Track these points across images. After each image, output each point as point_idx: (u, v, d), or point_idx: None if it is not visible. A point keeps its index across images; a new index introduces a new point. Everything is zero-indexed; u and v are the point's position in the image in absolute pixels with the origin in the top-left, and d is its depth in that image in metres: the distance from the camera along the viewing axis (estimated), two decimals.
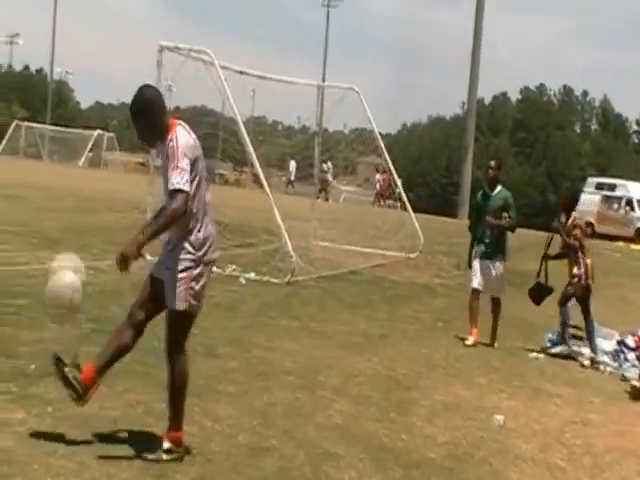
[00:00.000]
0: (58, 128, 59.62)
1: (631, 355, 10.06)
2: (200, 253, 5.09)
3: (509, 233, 10.44)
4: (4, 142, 57.09)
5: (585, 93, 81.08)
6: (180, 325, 5.13)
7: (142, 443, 5.17)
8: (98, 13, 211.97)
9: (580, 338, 11.01)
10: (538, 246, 26.98)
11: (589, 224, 41.20)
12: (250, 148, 14.25)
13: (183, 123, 5.14)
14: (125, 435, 5.31)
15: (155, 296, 5.17)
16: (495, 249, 10.14)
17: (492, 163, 10.44)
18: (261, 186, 14.55)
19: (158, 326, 8.38)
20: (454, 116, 77.09)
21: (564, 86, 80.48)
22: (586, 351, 10.14)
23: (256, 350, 8.20)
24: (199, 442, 5.39)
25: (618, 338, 10.54)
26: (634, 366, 9.74)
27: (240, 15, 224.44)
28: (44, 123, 61.73)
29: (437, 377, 8.25)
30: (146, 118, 5.00)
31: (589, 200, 41.86)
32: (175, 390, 5.13)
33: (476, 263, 10.16)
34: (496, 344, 10.14)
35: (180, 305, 5.05)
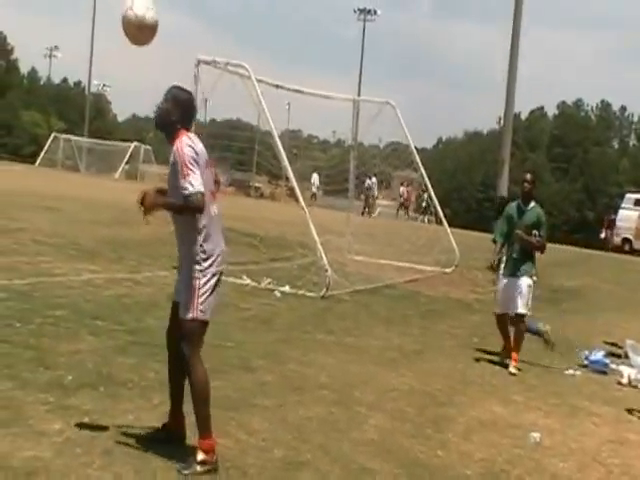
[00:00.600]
0: (95, 140, 60.37)
1: None
2: (206, 264, 5.16)
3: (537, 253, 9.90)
4: (42, 154, 57.92)
5: (623, 108, 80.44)
6: (191, 335, 5.17)
7: (179, 455, 5.19)
8: None
9: (619, 356, 10.88)
10: (574, 263, 26.79)
11: (626, 240, 40.81)
12: (285, 162, 14.31)
13: (192, 135, 5.24)
14: (162, 447, 5.32)
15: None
16: (523, 264, 9.65)
17: (527, 177, 9.90)
18: (296, 200, 14.60)
19: None
20: (490, 131, 76.72)
21: (602, 101, 79.92)
22: (625, 369, 10.00)
23: (291, 364, 8.20)
24: (234, 455, 5.40)
25: None
26: None
27: (275, 30, 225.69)
28: (82, 135, 62.50)
29: (473, 393, 8.18)
30: (173, 108, 5.19)
31: (627, 216, 41.46)
32: (197, 399, 5.16)
33: (503, 283, 9.77)
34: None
35: (188, 314, 5.13)
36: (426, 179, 20.57)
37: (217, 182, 5.50)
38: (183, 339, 5.19)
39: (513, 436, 6.93)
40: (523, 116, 74.06)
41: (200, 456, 5.04)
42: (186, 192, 4.96)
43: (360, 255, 18.59)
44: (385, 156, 25.39)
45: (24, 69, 79.08)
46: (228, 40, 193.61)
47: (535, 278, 9.79)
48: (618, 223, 41.73)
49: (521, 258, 9.60)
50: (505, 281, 9.71)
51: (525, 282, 9.57)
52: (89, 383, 6.34)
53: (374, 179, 39.02)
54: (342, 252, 17.81)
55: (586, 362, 10.21)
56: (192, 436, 5.35)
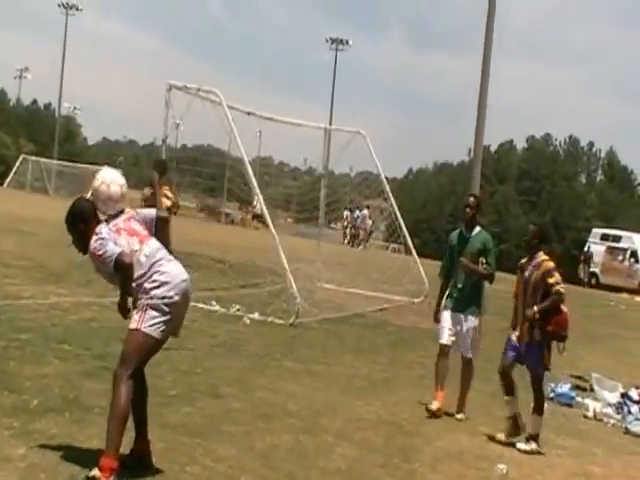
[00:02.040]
0: (65, 163, 59.95)
1: (635, 408, 10.00)
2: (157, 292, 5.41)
3: (486, 283, 9.16)
4: (11, 175, 57.42)
5: (591, 144, 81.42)
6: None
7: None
8: (107, 50, 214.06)
9: (584, 389, 10.97)
10: None
11: (592, 274, 41.19)
12: (256, 188, 14.34)
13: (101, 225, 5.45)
14: (130, 473, 5.26)
15: None
16: (469, 299, 8.59)
17: (470, 200, 8.78)
18: (266, 226, 14.63)
19: (162, 366, 8.41)
20: (460, 162, 77.45)
21: (570, 136, 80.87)
22: (590, 402, 10.08)
23: (259, 391, 8.17)
24: None
25: (622, 390, 10.50)
26: (637, 419, 9.67)
27: (247, 56, 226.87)
28: (51, 158, 62.08)
29: (440, 424, 8.19)
30: (79, 226, 5.46)
31: (594, 251, 41.89)
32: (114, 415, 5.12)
33: (446, 314, 8.60)
34: (461, 415, 8.57)
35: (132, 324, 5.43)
36: (396, 209, 20.70)
37: (174, 204, 5.64)
38: (123, 350, 5.51)
39: (480, 467, 6.95)
40: (492, 148, 74.84)
41: (93, 472, 4.93)
42: (110, 263, 5.26)
43: (330, 283, 18.61)
44: (356, 185, 25.55)
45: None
46: (200, 64, 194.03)
47: (482, 315, 8.99)
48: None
49: (467, 290, 8.59)
50: (449, 314, 8.62)
51: (471, 325, 8.63)
52: (55, 408, 6.27)
53: (365, 211, 39.24)
54: (312, 280, 17.82)
55: (552, 395, 10.27)
56: (163, 463, 5.31)
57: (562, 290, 7.88)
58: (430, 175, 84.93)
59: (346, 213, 38.15)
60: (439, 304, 8.79)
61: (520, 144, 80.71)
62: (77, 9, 78.92)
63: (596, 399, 10.32)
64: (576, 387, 10.98)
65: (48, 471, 5.02)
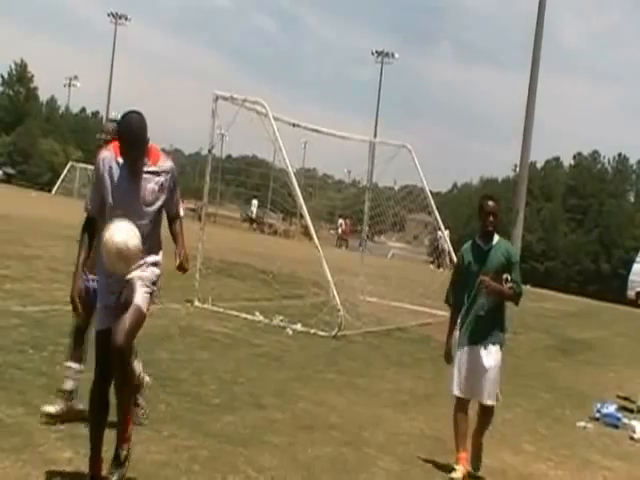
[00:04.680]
0: None
1: None
2: None
3: (509, 305, 7.12)
4: (59, 182, 58.30)
5: None
6: None
7: None
8: (154, 60, 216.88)
9: (631, 411, 10.78)
10: (588, 315, 26.65)
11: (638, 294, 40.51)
12: (300, 200, 14.35)
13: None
14: None
15: None
16: (490, 326, 6.75)
17: (491, 205, 6.73)
18: (310, 238, 14.63)
19: (205, 374, 8.44)
20: (506, 178, 76.87)
21: (619, 154, 79.92)
22: (637, 424, 9.88)
23: (302, 402, 8.16)
24: None
25: None
26: None
27: (293, 68, 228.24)
28: None
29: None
30: (145, 142, 4.88)
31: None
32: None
33: (461, 355, 6.78)
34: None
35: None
36: (440, 223, 20.61)
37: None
38: None
39: None
40: (539, 165, 74.20)
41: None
42: (182, 214, 5.32)
43: (373, 296, 18.55)
44: (400, 198, 25.47)
45: (43, 97, 79.89)
46: (246, 76, 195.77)
47: (503, 346, 6.90)
48: (632, 277, 41.49)
49: (488, 316, 6.73)
50: (465, 351, 6.78)
51: (495, 358, 6.74)
52: None
53: (446, 232, 39.04)
54: (355, 292, 17.76)
55: (598, 415, 10.09)
56: (206, 472, 5.29)
57: None
58: (475, 190, 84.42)
59: (439, 233, 37.97)
60: (450, 339, 7.00)
61: (567, 161, 79.99)
62: (126, 19, 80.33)
63: None
64: (622, 408, 10.77)
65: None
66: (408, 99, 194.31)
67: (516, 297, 6.88)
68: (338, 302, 13.28)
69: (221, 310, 13.24)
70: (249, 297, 15.58)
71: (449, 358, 6.94)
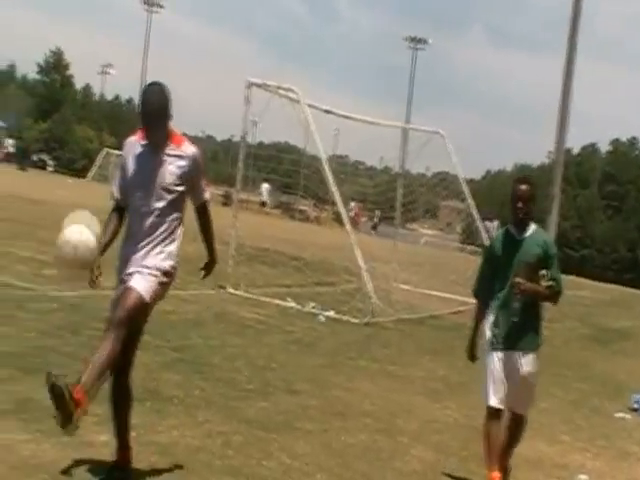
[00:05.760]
0: None
1: None
2: None
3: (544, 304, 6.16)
4: (94, 168, 58.74)
5: None
6: None
7: (221, 473, 5.16)
8: (187, 47, 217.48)
9: None
10: (624, 303, 26.38)
11: None
12: (333, 186, 14.31)
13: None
14: (204, 465, 5.30)
15: None
16: (525, 328, 5.93)
17: (522, 189, 5.91)
18: (342, 225, 14.61)
19: (238, 360, 8.46)
20: (540, 165, 76.06)
21: None
22: None
23: (335, 389, 8.15)
24: (277, 478, 5.36)
25: None
26: None
27: (326, 55, 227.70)
28: None
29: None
30: (167, 116, 4.76)
31: None
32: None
33: (496, 360, 5.93)
34: None
35: None
36: (474, 210, 20.46)
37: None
38: None
39: (559, 476, 6.79)
40: (575, 152, 73.33)
41: None
42: (207, 197, 5.04)
43: (405, 284, 18.49)
44: (432, 185, 25.33)
45: (78, 85, 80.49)
46: (277, 62, 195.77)
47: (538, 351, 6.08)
48: None
49: (522, 318, 5.92)
50: (500, 357, 5.93)
51: (531, 365, 5.95)
52: (136, 397, 6.27)
53: (496, 222, 38.79)
54: (387, 280, 17.72)
55: (636, 406, 9.97)
56: (240, 457, 5.30)
57: None
58: (508, 177, 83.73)
59: (486, 223, 37.77)
60: (474, 337, 6.14)
61: (604, 147, 78.91)
62: (160, 6, 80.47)
63: None
64: None
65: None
66: (441, 85, 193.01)
67: (555, 297, 6.01)
68: (370, 289, 13.25)
69: (254, 296, 13.26)
70: (281, 283, 15.59)
71: (472, 355, 6.15)
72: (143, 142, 4.77)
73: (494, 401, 5.96)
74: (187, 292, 12.27)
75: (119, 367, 4.84)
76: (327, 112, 15.94)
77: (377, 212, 33.19)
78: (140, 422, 5.68)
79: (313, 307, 13.23)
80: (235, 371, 8.03)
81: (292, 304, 13.21)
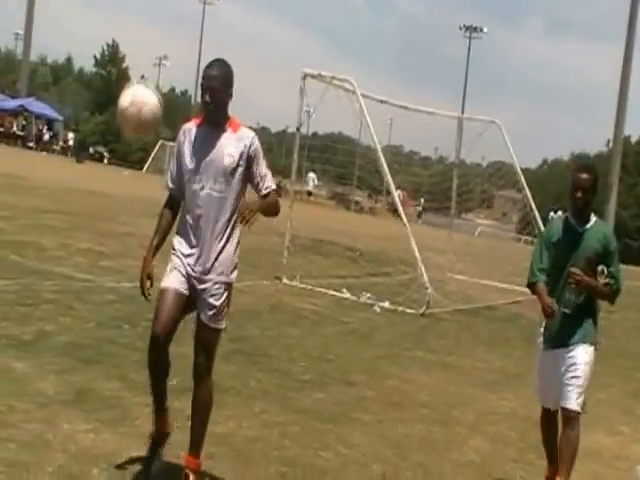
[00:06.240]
0: None
1: None
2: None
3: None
4: (150, 160, 59.45)
5: None
6: (216, 346, 5.06)
7: (278, 464, 5.21)
8: (242, 38, 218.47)
9: None
10: None
11: None
12: (388, 177, 14.27)
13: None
14: (261, 455, 5.34)
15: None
16: (579, 326, 5.53)
17: (582, 178, 5.51)
18: (397, 215, 14.58)
19: (295, 351, 8.51)
20: (598, 154, 74.83)
21: None
22: None
23: (391, 380, 8.15)
24: (334, 469, 5.38)
25: None
26: None
27: (381, 44, 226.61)
28: None
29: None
30: (229, 92, 4.67)
31: None
32: (208, 416, 4.83)
33: (543, 358, 5.76)
34: None
35: (223, 323, 4.98)
36: (531, 200, 20.22)
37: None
38: (209, 350, 4.90)
39: (619, 468, 6.69)
40: (633, 140, 71.92)
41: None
42: (274, 186, 4.75)
43: (461, 274, 18.36)
44: (488, 175, 25.10)
45: (134, 77, 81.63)
46: (332, 52, 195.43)
47: (599, 345, 5.67)
48: None
49: (576, 314, 5.53)
50: (548, 355, 5.67)
51: (583, 357, 5.50)
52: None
53: (560, 213, 38.39)
54: (443, 270, 17.61)
55: None
56: (295, 447, 5.33)
57: None
58: (566, 166, 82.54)
59: (551, 214, 37.45)
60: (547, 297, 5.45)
61: None
62: None
63: None
64: None
65: (187, 448, 5.13)
66: (497, 74, 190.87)
67: (613, 295, 5.63)
68: (426, 280, 13.20)
69: (309, 287, 13.31)
70: (336, 274, 15.61)
71: (550, 311, 5.37)
72: (199, 127, 4.70)
73: (542, 400, 5.89)
74: (243, 283, 12.35)
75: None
76: (382, 102, 15.92)
77: (421, 200, 32.89)
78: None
79: (368, 298, 13.23)
80: (291, 362, 8.07)
81: (347, 295, 13.23)
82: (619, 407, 8.82)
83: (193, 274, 4.68)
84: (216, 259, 4.63)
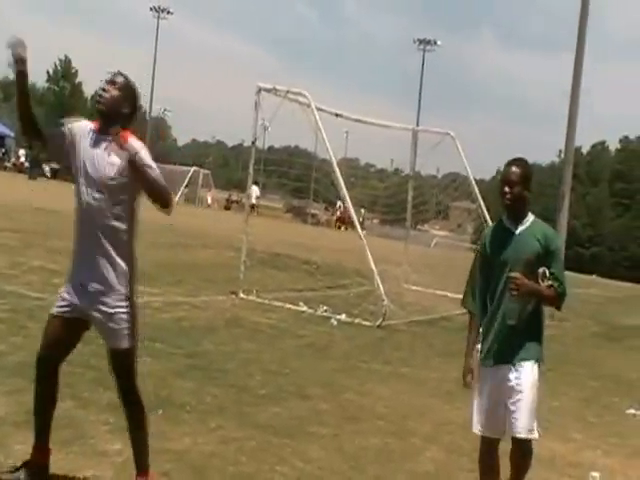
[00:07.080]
0: (155, 164, 61.06)
1: None
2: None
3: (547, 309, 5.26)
4: None
5: None
6: (134, 365, 4.91)
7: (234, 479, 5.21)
8: (197, 53, 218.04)
9: None
10: (638, 301, 26.24)
11: None
12: (344, 189, 14.35)
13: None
14: (217, 471, 5.33)
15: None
16: (524, 340, 5.01)
17: (511, 172, 5.09)
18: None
19: (251, 365, 8.50)
20: (550, 164, 75.92)
21: None
22: None
23: (347, 393, 8.17)
24: None
25: None
26: None
27: (335, 58, 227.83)
28: None
29: None
30: (132, 101, 4.75)
31: None
32: (146, 432, 4.83)
33: (483, 378, 5.13)
34: None
35: (131, 342, 4.83)
36: (485, 211, 20.45)
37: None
38: (126, 372, 4.79)
39: (572, 475, 6.78)
40: (584, 150, 73.14)
41: None
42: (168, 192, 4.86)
43: (417, 285, 18.50)
44: (443, 187, 25.36)
45: (88, 93, 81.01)
46: (287, 67, 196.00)
47: (540, 363, 5.08)
48: None
49: (520, 325, 5.01)
50: (489, 373, 5.08)
51: (529, 378, 4.98)
52: (148, 405, 6.31)
53: None
54: (399, 282, 17.74)
55: None
56: (253, 463, 5.34)
57: None
58: None
59: None
60: (469, 355, 5.23)
61: (613, 145, 78.68)
62: (169, 12, 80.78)
63: None
64: None
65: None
66: (451, 86, 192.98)
67: (559, 299, 5.07)
68: (382, 291, 13.28)
69: (266, 301, 13.31)
70: (293, 288, 15.64)
71: (468, 381, 5.20)
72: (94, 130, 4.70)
73: (479, 428, 5.19)
74: (198, 298, 12.34)
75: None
76: (337, 115, 16.00)
77: (362, 211, 32.83)
78: (153, 430, 5.69)
79: (325, 311, 13.27)
80: (248, 377, 8.07)
81: (304, 308, 13.25)
82: (571, 414, 8.94)
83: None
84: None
